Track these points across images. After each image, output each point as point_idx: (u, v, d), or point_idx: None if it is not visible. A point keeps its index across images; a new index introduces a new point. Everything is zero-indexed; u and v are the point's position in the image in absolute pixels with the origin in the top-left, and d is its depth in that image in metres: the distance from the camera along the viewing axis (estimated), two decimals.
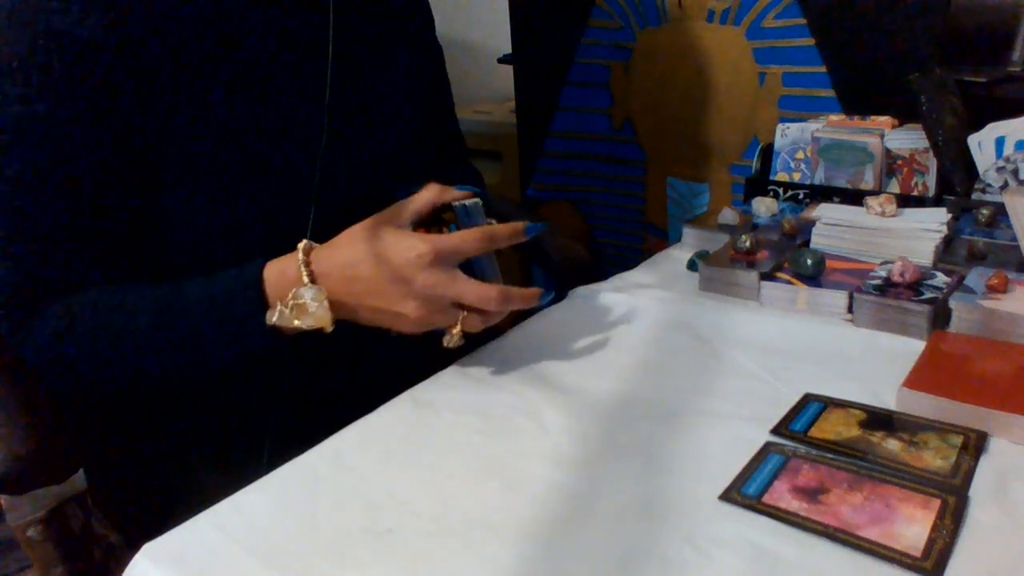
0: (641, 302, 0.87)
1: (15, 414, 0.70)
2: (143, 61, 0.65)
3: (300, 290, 0.65)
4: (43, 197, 0.65)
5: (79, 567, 0.73)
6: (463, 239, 0.68)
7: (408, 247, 0.66)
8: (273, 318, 0.64)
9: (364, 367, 0.82)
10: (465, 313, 0.68)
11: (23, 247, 0.66)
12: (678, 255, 1.00)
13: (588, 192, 1.74)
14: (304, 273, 0.65)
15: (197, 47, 0.67)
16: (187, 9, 0.67)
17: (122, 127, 0.66)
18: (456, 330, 0.68)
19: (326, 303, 0.65)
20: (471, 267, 0.71)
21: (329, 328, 0.66)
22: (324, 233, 0.72)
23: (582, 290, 0.90)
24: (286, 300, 0.64)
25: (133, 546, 0.51)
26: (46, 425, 0.72)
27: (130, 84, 0.65)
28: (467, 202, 0.73)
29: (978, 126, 1.02)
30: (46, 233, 0.66)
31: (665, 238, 1.63)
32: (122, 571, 0.51)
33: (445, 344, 0.69)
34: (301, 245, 0.67)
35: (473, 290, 0.67)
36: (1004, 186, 0.99)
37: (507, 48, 1.79)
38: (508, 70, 1.82)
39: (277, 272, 0.67)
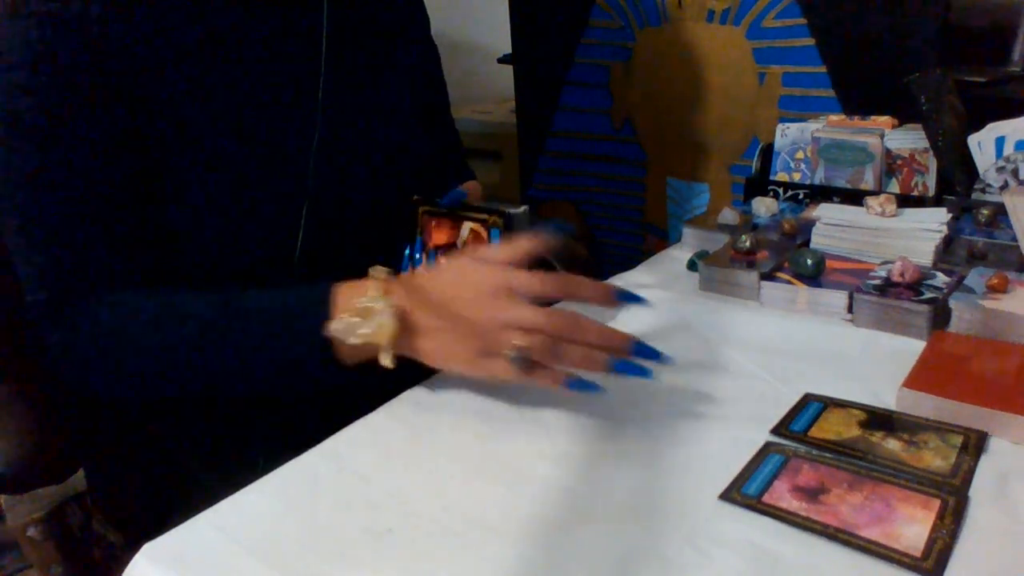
0: None
1: (16, 414, 0.70)
2: (142, 54, 0.65)
3: (369, 296, 0.62)
4: (68, 188, 0.65)
5: (79, 567, 0.73)
6: (543, 282, 0.63)
7: (486, 274, 0.63)
8: (337, 326, 0.62)
9: (364, 367, 0.81)
10: (520, 342, 0.60)
11: (52, 242, 0.65)
12: (678, 255, 1.00)
13: (588, 192, 1.74)
14: (379, 288, 0.63)
15: (191, 44, 0.68)
16: (183, 6, 0.67)
17: (127, 119, 0.66)
18: (512, 353, 0.60)
19: (393, 311, 0.61)
20: None
21: (389, 349, 0.62)
22: (317, 230, 0.72)
23: None
24: (353, 307, 0.62)
25: (133, 546, 0.51)
26: (46, 425, 0.72)
27: (129, 77, 0.66)
28: (517, 210, 0.72)
29: (978, 126, 1.02)
30: (75, 224, 0.66)
31: (665, 238, 1.63)
32: (122, 571, 0.51)
33: (500, 367, 0.61)
34: (374, 269, 0.64)
35: (539, 316, 0.61)
36: (1004, 186, 0.99)
37: (507, 48, 1.79)
38: (508, 70, 1.82)
39: (349, 286, 0.64)
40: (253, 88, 0.71)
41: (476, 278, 0.63)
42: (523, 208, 0.74)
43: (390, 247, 0.85)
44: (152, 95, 0.67)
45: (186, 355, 0.66)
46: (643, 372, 0.61)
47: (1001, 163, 0.99)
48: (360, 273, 0.64)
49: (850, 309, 0.79)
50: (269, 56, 0.72)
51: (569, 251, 0.72)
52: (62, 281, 0.66)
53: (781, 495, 0.53)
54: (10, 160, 0.65)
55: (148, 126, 0.67)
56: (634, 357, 0.61)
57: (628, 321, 0.82)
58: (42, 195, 0.65)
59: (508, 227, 0.77)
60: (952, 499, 0.52)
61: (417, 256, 0.84)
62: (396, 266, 0.85)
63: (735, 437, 0.60)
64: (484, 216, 0.79)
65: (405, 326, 0.62)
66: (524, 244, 0.65)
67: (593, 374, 0.61)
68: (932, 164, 1.02)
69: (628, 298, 0.65)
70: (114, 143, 0.66)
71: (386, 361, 0.62)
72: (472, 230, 0.80)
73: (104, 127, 0.66)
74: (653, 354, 0.61)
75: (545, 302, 0.64)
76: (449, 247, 0.83)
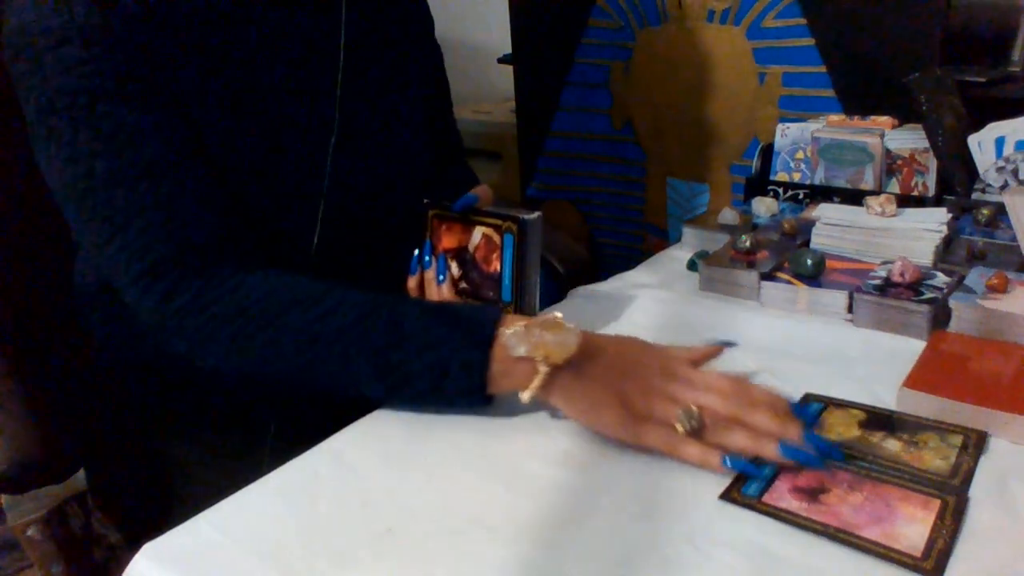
0: (641, 302, 0.87)
1: (17, 414, 0.70)
2: (166, 53, 0.66)
3: (559, 324, 0.61)
4: (154, 148, 0.64)
5: (79, 567, 0.73)
6: (724, 378, 0.61)
7: (668, 358, 0.63)
8: (510, 331, 0.60)
9: None
10: (696, 410, 0.58)
11: (159, 200, 0.64)
12: (678, 255, 1.00)
13: (588, 192, 1.74)
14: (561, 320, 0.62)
15: (211, 44, 0.68)
16: (203, 8, 0.67)
17: (171, 100, 0.66)
18: (686, 416, 0.57)
19: (579, 339, 0.60)
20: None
21: (536, 390, 0.60)
22: (333, 229, 0.72)
23: (582, 290, 0.90)
24: (538, 320, 0.61)
25: (133, 546, 0.51)
26: (47, 425, 0.72)
27: (168, 54, 0.65)
28: (531, 216, 0.72)
29: (978, 126, 1.02)
30: (178, 182, 0.65)
31: (665, 238, 1.63)
32: (122, 571, 0.51)
33: (673, 420, 0.58)
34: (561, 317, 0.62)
35: (713, 397, 0.59)
36: (1004, 186, 0.99)
37: (507, 48, 1.79)
38: (508, 70, 1.82)
39: (514, 316, 0.63)
40: (273, 89, 0.71)
41: (658, 351, 0.63)
42: (536, 214, 0.73)
43: (402, 247, 0.85)
44: (176, 92, 0.67)
45: (328, 345, 0.63)
46: (815, 462, 0.56)
47: (1001, 163, 0.99)
48: (374, 271, 0.64)
49: (850, 309, 0.79)
50: (288, 57, 0.72)
51: (557, 244, 0.71)
52: (179, 242, 0.64)
53: (781, 495, 0.53)
54: (76, 136, 0.63)
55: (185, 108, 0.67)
56: (804, 442, 0.56)
57: (629, 321, 0.82)
58: (132, 157, 0.64)
59: (522, 233, 0.77)
60: (952, 499, 0.52)
61: (427, 258, 0.84)
62: (405, 268, 0.85)
63: None
64: (497, 221, 0.79)
65: (580, 357, 0.60)
66: (706, 352, 0.67)
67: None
68: (932, 164, 1.02)
69: (804, 415, 0.60)
70: (171, 114, 0.66)
71: (526, 396, 0.60)
72: (484, 235, 0.80)
73: (164, 90, 0.65)
74: (823, 446, 0.56)
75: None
76: (460, 251, 0.83)
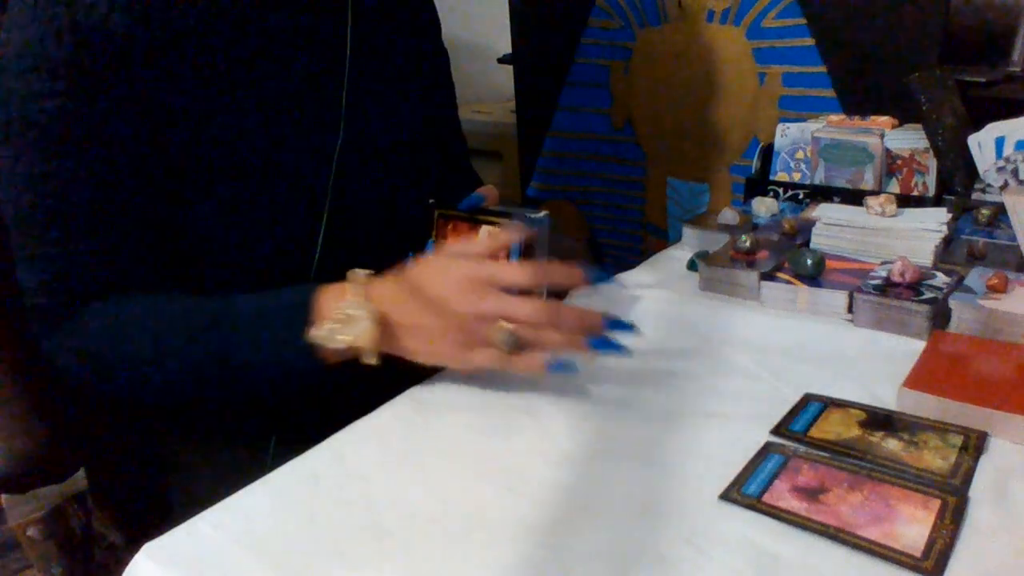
0: (641, 302, 0.87)
1: (17, 413, 0.70)
2: (165, 59, 0.66)
3: (348, 301, 0.63)
4: (74, 194, 0.65)
5: (79, 567, 0.73)
6: (520, 272, 0.64)
7: (465, 268, 0.64)
8: (319, 333, 0.63)
9: (364, 367, 0.82)
10: (512, 327, 0.62)
11: (58, 247, 0.65)
12: (678, 255, 1.00)
13: (588, 192, 1.74)
14: (360, 291, 0.64)
15: (217, 47, 0.68)
16: (207, 9, 0.67)
17: (146, 125, 0.66)
18: (503, 336, 0.62)
19: (373, 316, 0.62)
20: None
21: (372, 352, 0.63)
22: (338, 233, 0.72)
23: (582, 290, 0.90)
24: (334, 314, 0.63)
25: (133, 546, 0.51)
26: (47, 425, 0.72)
27: (153, 81, 0.65)
28: (538, 215, 0.71)
29: (978, 126, 1.02)
30: (80, 231, 0.66)
31: (665, 238, 1.63)
32: (122, 571, 0.51)
33: (489, 358, 0.64)
34: (353, 272, 0.65)
35: (522, 308, 0.62)
36: (1004, 186, 0.99)
37: (507, 48, 1.79)
38: (508, 70, 1.82)
39: (330, 290, 0.65)
40: (277, 94, 0.71)
41: (456, 273, 0.64)
42: (543, 212, 0.73)
43: (407, 250, 0.85)
44: (175, 101, 0.67)
45: (173, 361, 0.66)
46: (619, 349, 0.64)
47: (1001, 163, 0.99)
48: (378, 274, 0.65)
49: (850, 309, 0.79)
50: (293, 62, 0.72)
51: (560, 245, 0.72)
52: (62, 287, 0.66)
53: (781, 495, 0.53)
54: (16, 166, 0.65)
55: (170, 132, 0.67)
56: (610, 332, 0.64)
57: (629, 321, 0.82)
58: (47, 202, 0.65)
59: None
60: (952, 499, 0.52)
61: None
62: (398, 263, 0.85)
63: (735, 437, 0.60)
64: (504, 221, 0.78)
65: (386, 328, 0.63)
66: (502, 236, 0.68)
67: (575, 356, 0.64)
68: (932, 164, 1.02)
69: (601, 279, 0.67)
70: (127, 151, 0.66)
71: (371, 360, 0.63)
72: (491, 234, 0.79)
73: (119, 135, 0.66)
74: (626, 327, 0.65)
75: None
76: None
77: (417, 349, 0.65)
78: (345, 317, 0.62)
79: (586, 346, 0.64)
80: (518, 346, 0.62)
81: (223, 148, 0.69)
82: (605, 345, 0.64)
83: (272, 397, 0.72)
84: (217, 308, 0.67)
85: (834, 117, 1.16)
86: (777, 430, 0.61)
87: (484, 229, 0.79)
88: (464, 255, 0.66)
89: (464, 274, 0.63)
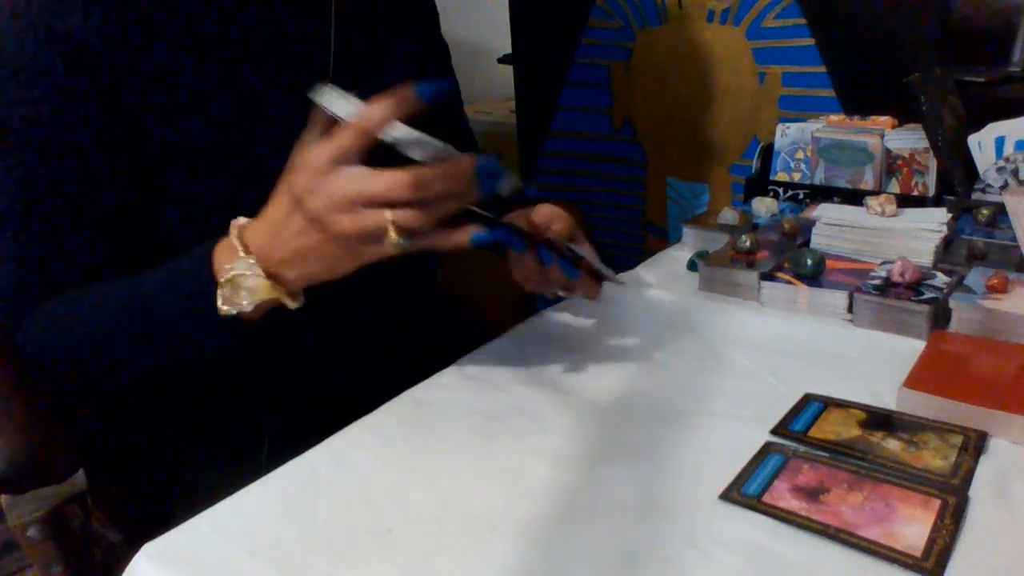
0: (641, 302, 0.87)
1: (15, 414, 0.70)
2: (145, 61, 0.65)
3: (233, 263, 0.60)
4: (48, 199, 0.65)
5: (79, 567, 0.73)
6: (340, 135, 0.57)
7: (294, 167, 0.59)
8: (220, 303, 0.60)
9: (364, 367, 0.82)
10: (390, 212, 0.56)
11: (28, 249, 0.66)
12: (678, 255, 1.00)
13: (588, 192, 1.74)
14: (239, 247, 0.60)
15: (198, 47, 0.68)
16: (188, 8, 0.67)
17: (125, 128, 0.66)
18: (389, 231, 0.56)
19: (259, 269, 0.59)
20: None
21: (288, 300, 0.60)
22: None
23: None
24: (222, 280, 0.60)
25: (133, 546, 0.51)
26: (46, 425, 0.72)
27: (132, 84, 0.65)
28: (420, 151, 0.58)
29: (978, 126, 1.02)
30: (51, 235, 0.66)
31: (665, 238, 1.63)
32: (122, 571, 0.51)
33: (386, 250, 0.57)
34: (234, 221, 0.61)
35: (376, 181, 0.55)
36: (1004, 186, 0.99)
37: (507, 48, 1.79)
38: (508, 70, 1.82)
39: (221, 250, 0.62)
40: (260, 91, 0.71)
41: (316, 194, 0.57)
42: (432, 145, 0.60)
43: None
44: (154, 101, 0.66)
45: (107, 339, 0.66)
46: (499, 174, 0.59)
47: (1001, 163, 0.99)
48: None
49: (850, 309, 0.79)
50: (276, 58, 0.72)
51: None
52: (24, 289, 0.67)
53: (781, 495, 0.53)
54: None
55: (147, 135, 0.67)
56: (486, 174, 0.58)
57: (629, 321, 0.82)
58: (20, 206, 0.65)
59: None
60: (952, 499, 0.52)
61: (520, 248, 0.81)
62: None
63: (735, 437, 0.60)
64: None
65: (275, 272, 0.60)
66: (352, 138, 0.57)
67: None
68: (932, 164, 1.02)
69: (488, 171, 0.58)
70: (104, 155, 0.66)
71: (290, 303, 0.61)
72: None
73: (95, 140, 0.66)
74: (491, 160, 0.58)
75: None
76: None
77: (317, 270, 0.60)
78: (230, 281, 0.60)
79: (476, 193, 0.58)
80: (403, 230, 0.56)
81: (205, 146, 0.69)
82: (488, 184, 0.58)
83: (255, 370, 0.73)
84: (135, 286, 0.66)
85: (834, 117, 1.16)
86: (777, 430, 0.61)
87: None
88: (315, 166, 0.58)
89: (325, 190, 0.57)
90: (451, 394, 0.69)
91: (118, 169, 0.67)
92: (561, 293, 0.78)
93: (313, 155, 0.57)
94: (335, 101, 0.59)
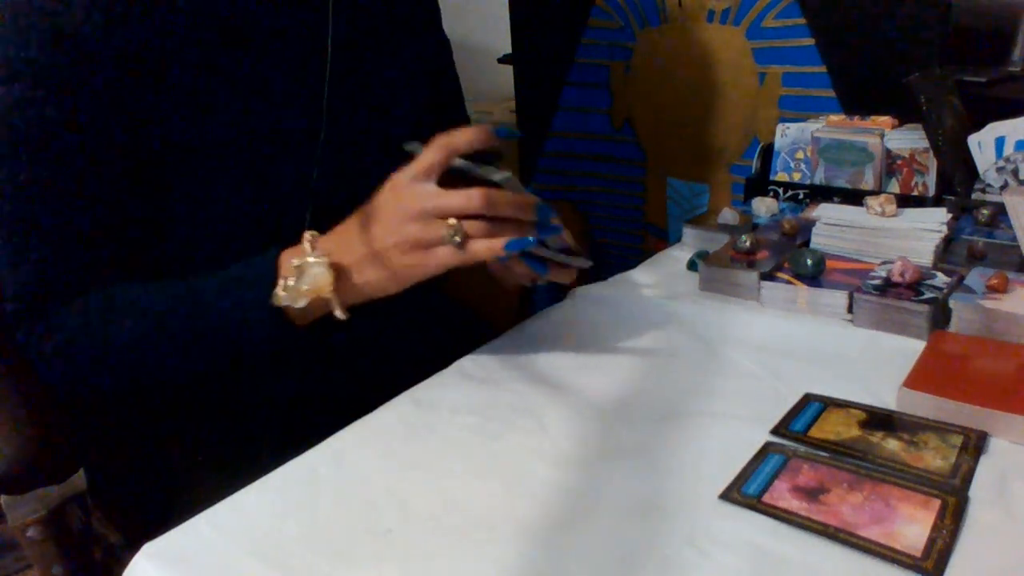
0: (641, 302, 0.87)
1: (16, 414, 0.70)
2: (146, 59, 0.65)
3: (302, 256, 0.64)
4: (56, 200, 0.65)
5: (79, 567, 0.73)
6: (423, 154, 0.64)
7: (403, 199, 0.64)
8: (280, 294, 0.64)
9: (364, 367, 0.82)
10: (454, 220, 0.63)
11: (38, 251, 0.66)
12: (678, 255, 1.00)
13: (588, 192, 1.74)
14: (308, 247, 0.65)
15: (198, 44, 0.68)
16: (189, 6, 0.67)
17: (129, 126, 0.67)
18: (449, 232, 0.63)
19: (325, 262, 0.64)
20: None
21: (333, 298, 0.64)
22: (323, 230, 0.71)
23: (582, 290, 0.90)
24: (288, 270, 0.64)
25: (133, 546, 0.51)
26: (46, 425, 0.72)
27: (134, 83, 0.65)
28: (498, 176, 0.67)
29: (978, 126, 1.02)
30: (60, 236, 0.66)
31: (665, 238, 1.63)
32: (122, 571, 0.51)
33: (443, 261, 0.64)
34: (307, 232, 0.66)
35: (452, 196, 0.63)
36: (1004, 186, 0.99)
37: (507, 48, 1.79)
38: (508, 70, 1.82)
39: (289, 251, 0.67)
40: (258, 88, 0.71)
41: (393, 206, 0.64)
42: (507, 174, 0.67)
43: None
44: (156, 100, 0.67)
45: (150, 348, 0.67)
46: (557, 230, 0.69)
47: (1001, 163, 0.99)
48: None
49: (850, 309, 0.79)
50: (274, 55, 0.72)
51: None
52: (41, 291, 0.67)
53: (781, 495, 0.53)
54: None
55: (151, 131, 0.67)
56: (544, 218, 0.67)
57: (629, 321, 0.82)
58: (27, 207, 0.65)
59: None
60: (952, 499, 0.52)
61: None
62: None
63: (735, 437, 0.60)
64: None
65: (340, 271, 0.64)
66: (434, 154, 0.64)
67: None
68: (932, 164, 1.02)
69: (505, 133, 0.68)
70: (109, 155, 0.66)
71: (339, 313, 0.64)
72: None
73: (100, 140, 0.66)
74: (549, 212, 0.67)
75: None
76: None
77: (377, 278, 0.65)
78: (298, 268, 0.64)
79: (530, 228, 0.66)
80: (465, 237, 0.63)
81: (205, 145, 0.69)
82: (545, 230, 0.67)
83: (256, 368, 0.73)
84: (186, 284, 0.68)
85: (834, 117, 1.16)
86: (777, 430, 0.61)
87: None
88: (401, 186, 0.65)
89: (401, 205, 0.64)
90: (451, 394, 0.69)
91: (122, 169, 0.67)
92: (533, 282, 0.79)
93: (396, 176, 0.65)
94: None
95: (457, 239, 0.62)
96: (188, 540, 0.52)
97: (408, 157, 0.66)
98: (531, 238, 0.65)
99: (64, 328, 0.67)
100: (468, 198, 0.62)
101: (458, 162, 0.65)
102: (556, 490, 0.56)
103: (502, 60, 1.91)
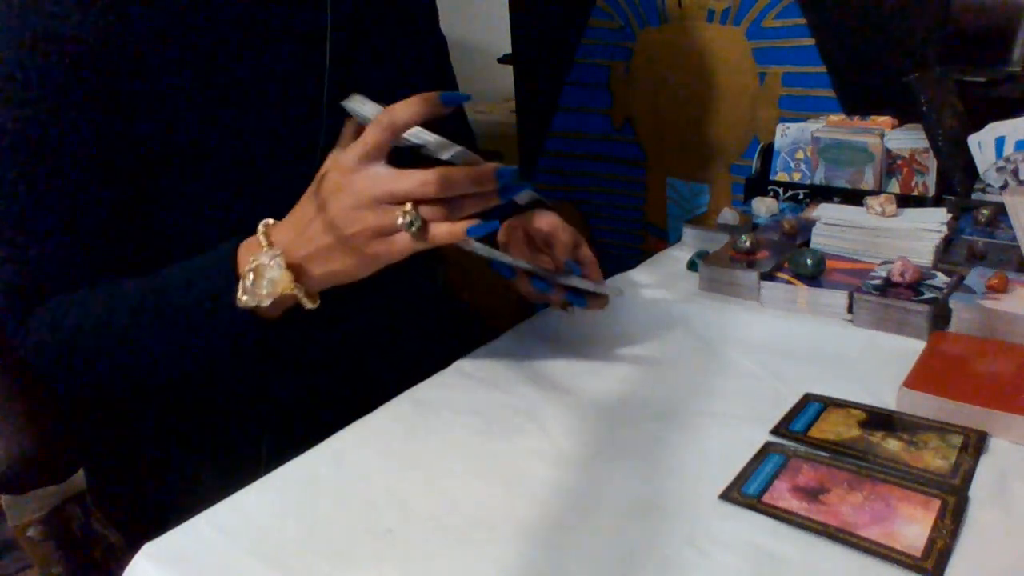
0: (641, 302, 0.87)
1: (15, 414, 0.70)
2: (141, 61, 0.65)
3: (257, 255, 0.61)
4: (46, 201, 0.65)
5: (79, 567, 0.73)
6: (368, 132, 0.60)
7: (325, 169, 0.61)
8: (240, 293, 0.61)
9: (363, 367, 0.82)
10: (409, 206, 0.58)
11: (26, 251, 0.66)
12: (678, 255, 1.00)
13: (588, 192, 1.74)
14: (264, 242, 0.62)
15: (194, 46, 0.67)
16: (184, 7, 0.67)
17: (122, 128, 0.66)
18: (409, 225, 0.58)
19: (282, 261, 0.61)
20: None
21: (305, 300, 0.62)
22: None
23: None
24: (244, 270, 0.61)
25: (133, 546, 0.51)
26: (46, 425, 0.72)
27: (128, 85, 0.65)
28: (447, 153, 0.61)
29: (978, 126, 1.02)
30: (49, 237, 0.66)
31: (665, 238, 1.63)
32: (122, 571, 0.51)
33: (403, 247, 0.60)
34: (262, 222, 0.63)
35: (404, 180, 0.58)
36: (1004, 186, 0.99)
37: (507, 48, 1.79)
38: (508, 70, 1.82)
39: (245, 247, 0.64)
40: (257, 89, 0.71)
41: (345, 192, 0.60)
42: (457, 148, 0.64)
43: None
44: (153, 103, 0.66)
45: (122, 347, 0.66)
46: (521, 188, 0.63)
47: (1001, 163, 0.99)
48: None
49: (850, 309, 0.79)
50: (272, 57, 0.72)
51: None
52: (29, 290, 0.67)
53: (781, 495, 0.53)
54: None
55: (148, 134, 0.67)
56: (507, 185, 0.61)
57: (629, 321, 0.82)
58: (14, 206, 0.65)
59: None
60: (952, 499, 0.52)
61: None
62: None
63: (735, 437, 0.60)
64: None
65: (297, 266, 0.61)
66: (380, 133, 0.59)
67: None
68: (932, 164, 1.02)
69: (509, 178, 0.62)
70: (102, 156, 0.66)
71: (308, 303, 0.62)
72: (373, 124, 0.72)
73: (92, 141, 0.66)
74: (513, 174, 0.62)
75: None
76: None
77: (335, 271, 0.62)
78: (253, 271, 0.61)
79: (493, 196, 0.61)
80: (423, 222, 0.58)
81: (203, 147, 0.69)
82: (508, 192, 0.62)
83: (255, 369, 0.73)
84: (152, 285, 0.66)
85: (834, 117, 1.16)
86: (777, 430, 0.61)
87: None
88: (347, 167, 0.61)
89: (354, 191, 0.60)
90: (451, 394, 0.69)
91: (116, 169, 0.67)
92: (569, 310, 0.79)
93: (341, 156, 0.60)
94: (362, 106, 0.62)
95: (415, 226, 0.58)
96: (188, 540, 0.52)
97: (344, 115, 0.62)
98: (496, 222, 0.61)
99: (42, 325, 0.67)
100: (423, 183, 0.58)
101: (405, 137, 0.61)
102: (556, 490, 0.56)
103: (502, 60, 1.91)
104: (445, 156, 0.61)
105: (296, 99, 0.74)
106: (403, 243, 0.59)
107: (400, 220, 0.58)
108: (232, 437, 0.78)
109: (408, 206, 0.58)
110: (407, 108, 0.59)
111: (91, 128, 0.65)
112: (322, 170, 0.62)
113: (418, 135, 0.62)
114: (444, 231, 0.59)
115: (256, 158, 0.71)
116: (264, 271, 0.61)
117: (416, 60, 0.87)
